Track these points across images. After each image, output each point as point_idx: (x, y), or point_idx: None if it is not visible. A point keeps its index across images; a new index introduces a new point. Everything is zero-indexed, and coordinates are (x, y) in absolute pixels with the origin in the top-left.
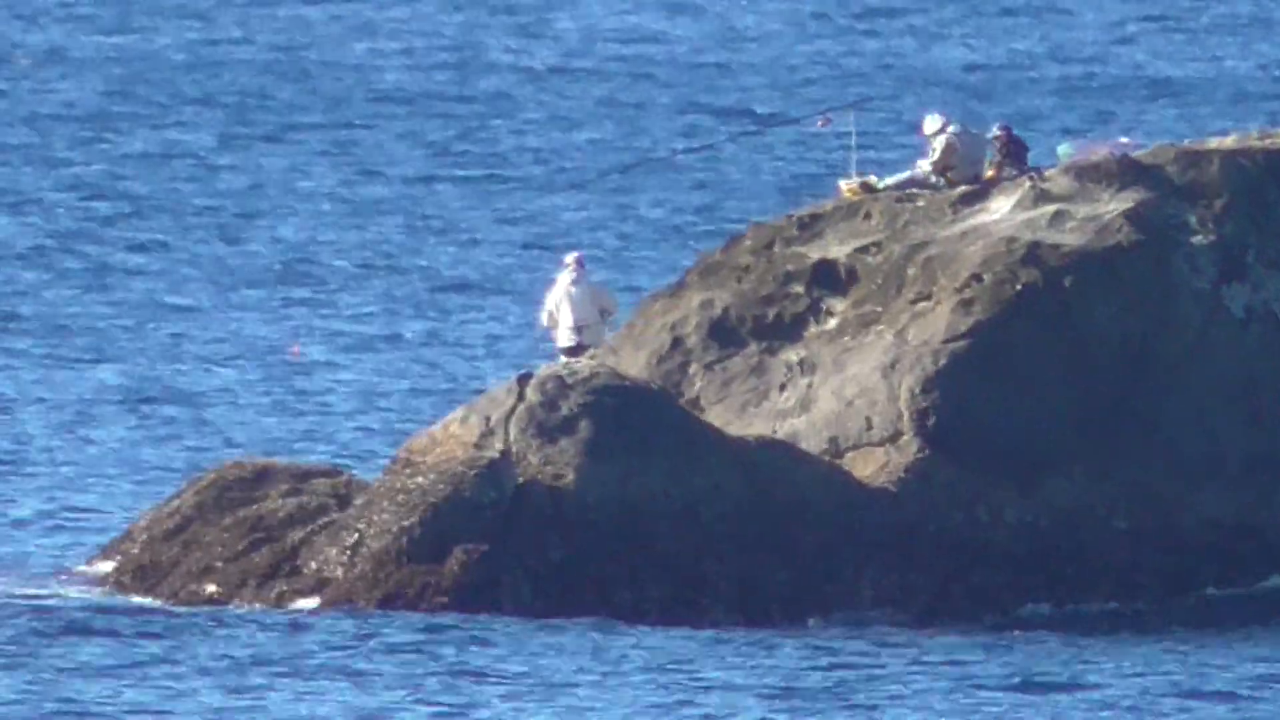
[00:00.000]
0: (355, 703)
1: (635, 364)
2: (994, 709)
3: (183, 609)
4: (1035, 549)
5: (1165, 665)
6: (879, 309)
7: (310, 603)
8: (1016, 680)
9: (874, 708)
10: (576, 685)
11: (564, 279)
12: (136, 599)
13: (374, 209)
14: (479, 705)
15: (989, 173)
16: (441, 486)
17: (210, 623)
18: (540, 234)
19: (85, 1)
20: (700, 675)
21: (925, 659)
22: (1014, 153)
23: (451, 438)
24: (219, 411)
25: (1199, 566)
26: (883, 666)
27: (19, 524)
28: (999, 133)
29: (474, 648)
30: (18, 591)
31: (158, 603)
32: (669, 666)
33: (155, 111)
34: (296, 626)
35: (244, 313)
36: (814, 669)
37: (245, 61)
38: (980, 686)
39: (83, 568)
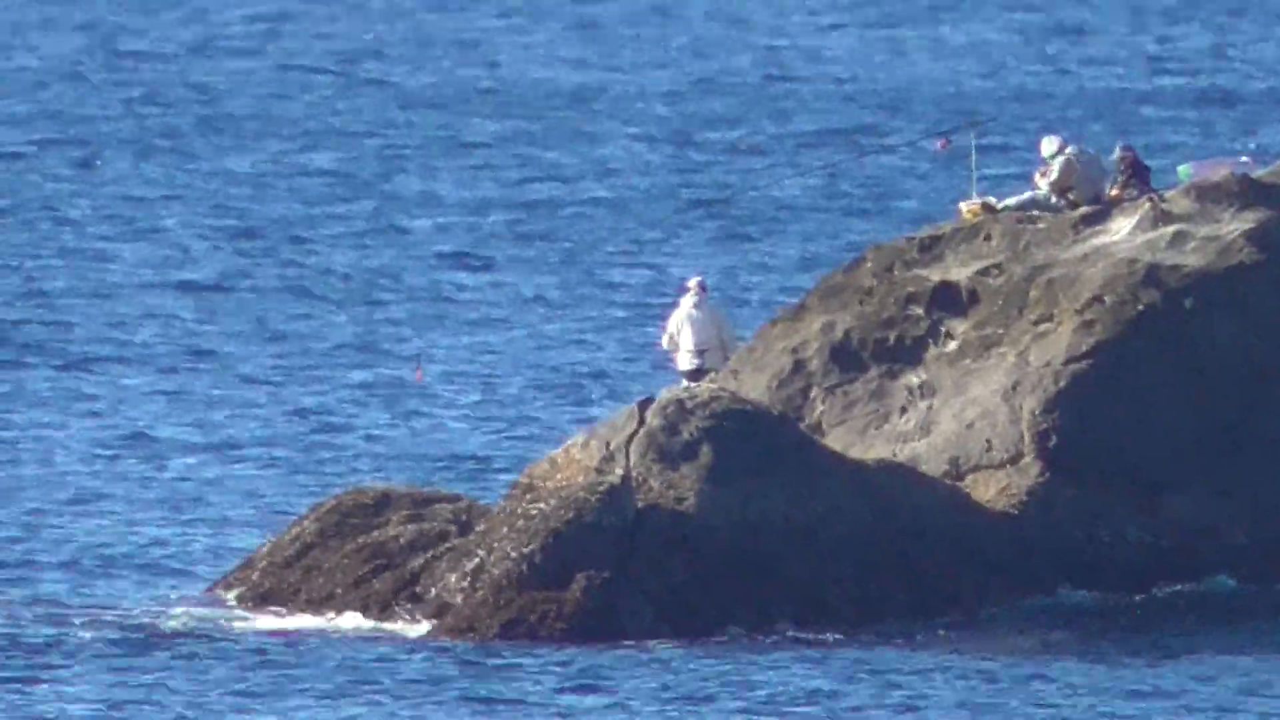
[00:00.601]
0: None
1: (756, 387)
2: None
3: (304, 635)
4: (1157, 567)
5: None
6: (1000, 331)
7: (431, 629)
8: (1141, 699)
9: None
10: (705, 710)
11: (686, 302)
12: (258, 625)
13: (496, 232)
14: None
15: (1113, 192)
16: (562, 511)
17: (331, 649)
18: (660, 257)
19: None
20: (825, 699)
21: (1050, 676)
22: (1137, 173)
23: (572, 462)
24: (341, 436)
25: None
26: (1009, 685)
27: (143, 549)
28: (1122, 153)
29: (597, 673)
30: (141, 617)
31: (279, 629)
32: (795, 691)
33: (285, 132)
34: (417, 653)
35: (367, 336)
36: (940, 689)
37: (375, 82)
38: (1106, 708)
39: (206, 593)
